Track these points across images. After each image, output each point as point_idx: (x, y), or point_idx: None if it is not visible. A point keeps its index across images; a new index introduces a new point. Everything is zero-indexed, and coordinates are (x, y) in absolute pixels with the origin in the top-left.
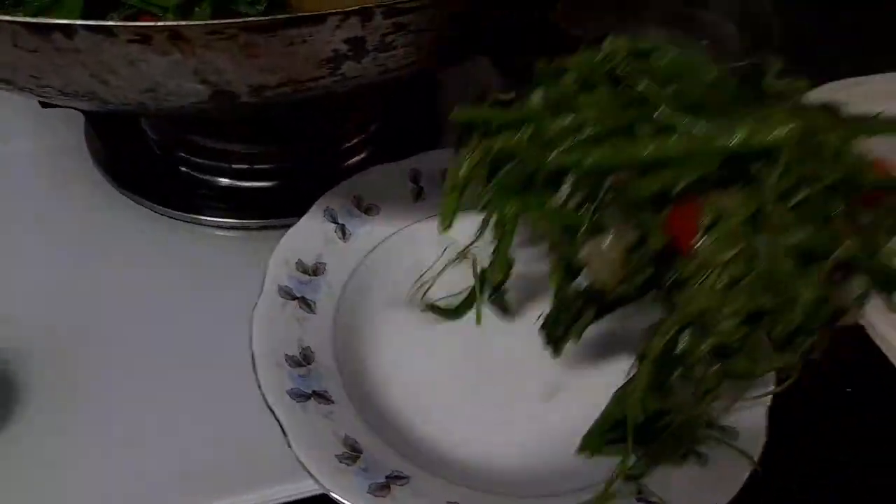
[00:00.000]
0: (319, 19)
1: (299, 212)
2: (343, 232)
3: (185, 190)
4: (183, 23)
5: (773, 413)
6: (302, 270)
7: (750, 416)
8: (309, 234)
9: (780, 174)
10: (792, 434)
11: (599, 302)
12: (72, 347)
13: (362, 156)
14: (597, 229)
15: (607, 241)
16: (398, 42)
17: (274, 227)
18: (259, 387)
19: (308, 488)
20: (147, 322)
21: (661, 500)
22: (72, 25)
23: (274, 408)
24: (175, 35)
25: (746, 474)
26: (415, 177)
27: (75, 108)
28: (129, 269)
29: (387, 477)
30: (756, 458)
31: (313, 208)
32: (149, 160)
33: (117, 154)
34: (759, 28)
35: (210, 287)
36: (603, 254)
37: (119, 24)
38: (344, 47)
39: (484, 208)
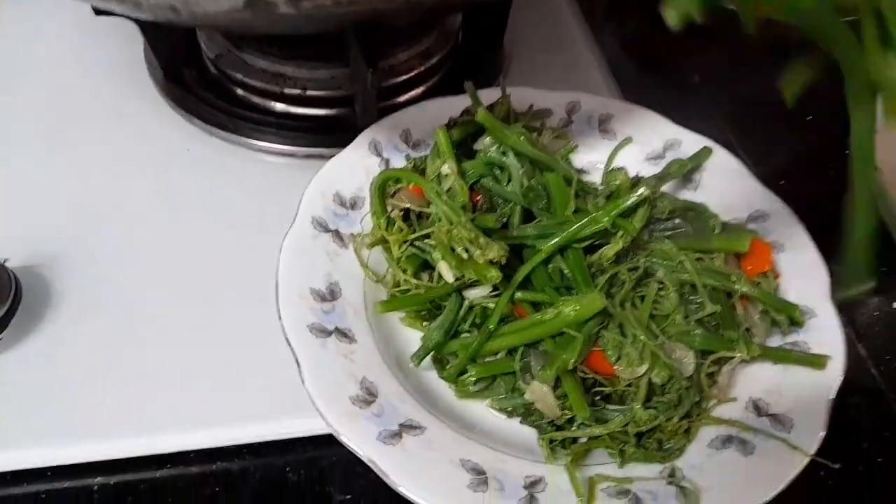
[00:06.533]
0: None
1: (349, 143)
2: (387, 166)
3: (237, 112)
4: None
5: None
6: (339, 203)
7: (808, 406)
8: (351, 165)
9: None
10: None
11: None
12: (105, 258)
13: (420, 90)
14: (526, 369)
15: (537, 385)
16: None
17: (322, 157)
18: (279, 318)
19: (319, 427)
20: (184, 239)
21: (695, 486)
22: None
23: (292, 341)
24: None
25: (797, 469)
26: (468, 114)
27: (123, 16)
28: (173, 186)
29: (400, 425)
30: (810, 452)
31: (358, 139)
32: (205, 80)
33: (174, 73)
34: None
35: (251, 211)
36: (540, 394)
37: None
38: None
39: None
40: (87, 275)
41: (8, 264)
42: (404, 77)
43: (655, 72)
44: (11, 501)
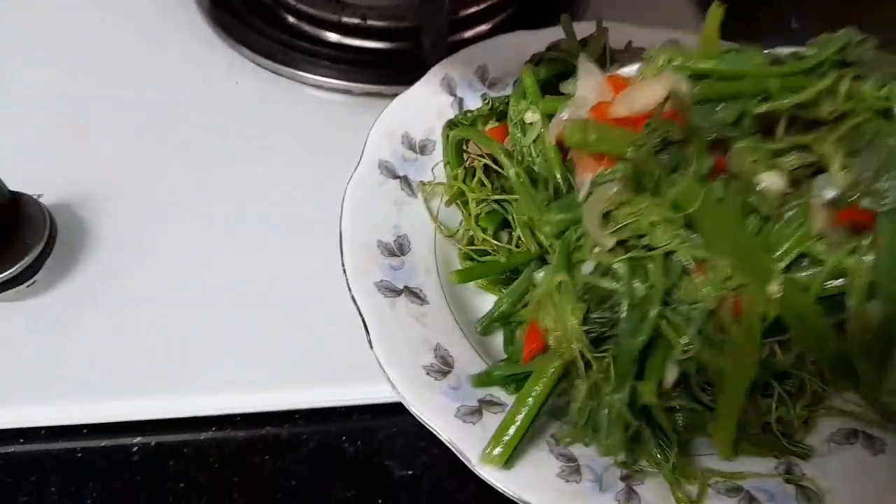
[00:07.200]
0: None
1: (412, 81)
2: (460, 107)
3: (289, 42)
4: None
5: None
6: (408, 146)
7: None
8: (421, 104)
9: None
10: None
11: None
12: (147, 197)
13: (488, 25)
14: None
15: None
16: None
17: (382, 95)
18: (344, 272)
19: (379, 395)
20: (232, 180)
21: (817, 486)
22: None
23: (358, 299)
24: None
25: None
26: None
27: None
28: (219, 121)
29: (479, 400)
30: None
31: (428, 75)
32: (254, 6)
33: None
34: None
35: (305, 151)
36: None
37: None
38: None
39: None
40: (127, 215)
41: (42, 200)
42: (473, 9)
43: (749, 15)
44: (46, 458)
